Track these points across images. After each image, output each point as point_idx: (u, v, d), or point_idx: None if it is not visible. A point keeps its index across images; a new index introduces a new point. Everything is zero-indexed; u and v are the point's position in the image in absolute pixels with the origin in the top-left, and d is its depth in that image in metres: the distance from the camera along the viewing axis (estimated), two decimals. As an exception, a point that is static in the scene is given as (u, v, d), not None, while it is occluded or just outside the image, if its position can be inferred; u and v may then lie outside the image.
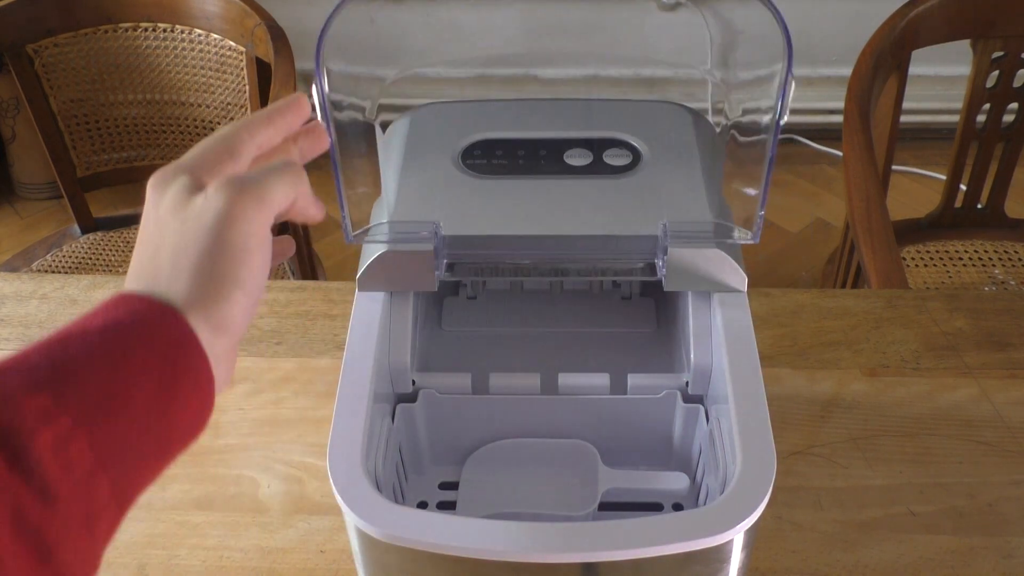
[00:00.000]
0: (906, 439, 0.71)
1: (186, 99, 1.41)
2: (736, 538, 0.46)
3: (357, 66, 0.53)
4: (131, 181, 1.46)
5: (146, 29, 1.37)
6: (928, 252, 1.35)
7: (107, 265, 1.42)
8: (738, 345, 0.54)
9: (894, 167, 1.33)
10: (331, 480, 0.47)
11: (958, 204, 1.36)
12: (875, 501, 0.67)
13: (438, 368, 0.63)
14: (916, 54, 1.24)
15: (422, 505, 0.62)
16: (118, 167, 1.46)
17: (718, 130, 0.60)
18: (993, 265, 1.32)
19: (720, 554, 0.47)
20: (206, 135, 0.45)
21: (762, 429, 0.49)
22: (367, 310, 0.57)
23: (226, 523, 0.66)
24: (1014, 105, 1.28)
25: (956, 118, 1.29)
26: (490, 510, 0.58)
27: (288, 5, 1.58)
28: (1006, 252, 1.34)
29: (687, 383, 0.59)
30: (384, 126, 0.59)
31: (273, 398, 0.76)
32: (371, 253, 0.57)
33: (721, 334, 0.55)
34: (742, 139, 0.56)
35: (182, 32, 1.36)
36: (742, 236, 0.57)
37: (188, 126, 1.42)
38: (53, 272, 1.39)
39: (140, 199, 0.44)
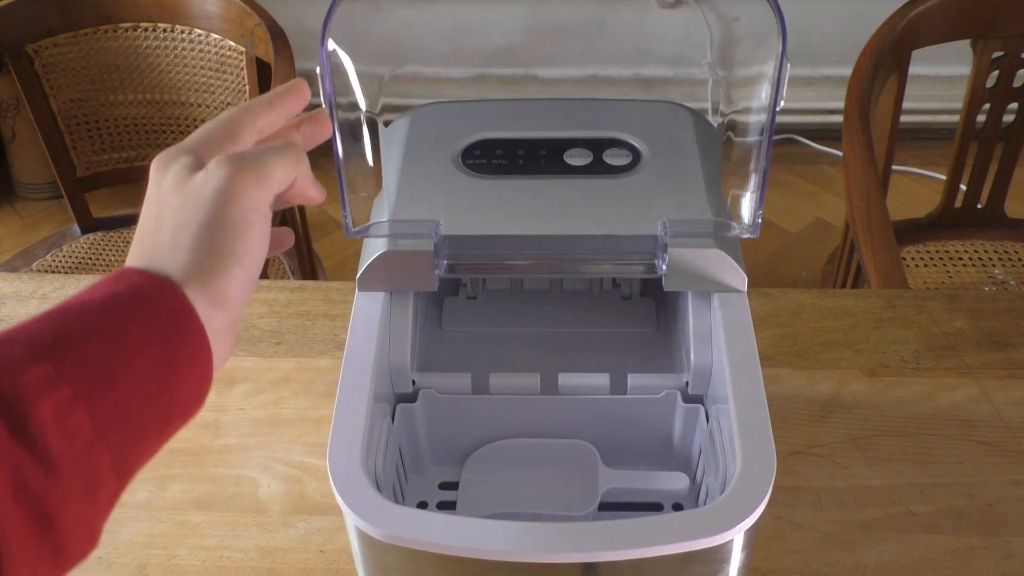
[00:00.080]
0: (906, 439, 0.71)
1: (186, 99, 1.41)
2: (736, 538, 0.46)
3: (359, 60, 0.54)
4: (131, 181, 1.46)
5: (146, 29, 1.37)
6: (928, 252, 1.35)
7: (107, 265, 1.42)
8: (738, 345, 0.54)
9: (894, 167, 1.33)
10: (331, 480, 0.47)
11: (958, 204, 1.36)
12: (875, 501, 0.67)
13: (438, 368, 0.63)
14: (916, 54, 1.24)
15: (422, 505, 0.62)
16: (118, 167, 1.46)
17: (716, 127, 0.60)
18: (993, 265, 1.32)
19: (720, 554, 0.47)
20: (206, 134, 0.45)
21: (762, 429, 0.49)
22: (367, 310, 0.57)
23: (226, 523, 0.66)
24: (1014, 105, 1.28)
25: (956, 118, 1.29)
26: (490, 510, 0.58)
27: (288, 5, 1.58)
28: (1006, 252, 1.34)
29: (687, 383, 0.59)
30: (385, 124, 0.59)
31: (273, 398, 0.76)
32: (371, 253, 0.57)
33: (721, 334, 0.55)
34: (741, 133, 0.56)
35: (182, 32, 1.36)
36: (742, 231, 0.57)
37: (188, 126, 1.42)
38: (53, 272, 1.39)
39: (140, 199, 0.44)
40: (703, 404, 0.60)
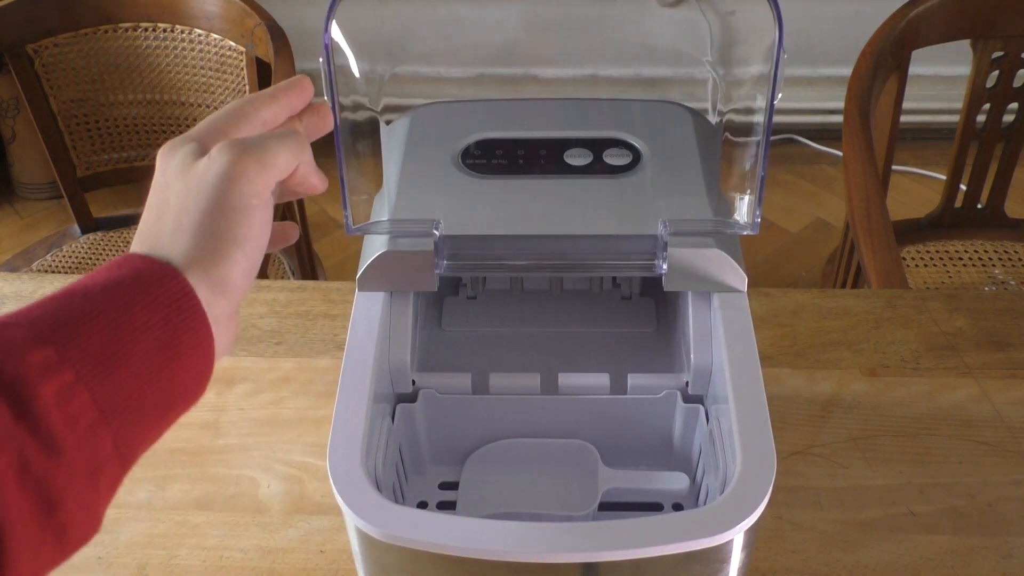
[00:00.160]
0: (906, 439, 0.71)
1: (186, 99, 1.41)
2: (736, 538, 0.46)
3: (360, 59, 0.54)
4: (131, 181, 1.46)
5: (146, 29, 1.37)
6: (928, 252, 1.35)
7: (107, 265, 1.42)
8: (738, 345, 0.54)
9: (894, 167, 1.33)
10: (331, 480, 0.47)
11: (958, 204, 1.36)
12: (875, 501, 0.67)
13: (438, 368, 0.63)
14: (916, 54, 1.24)
15: (422, 505, 0.62)
16: (118, 167, 1.46)
17: (715, 126, 0.60)
18: (993, 265, 1.32)
19: (720, 554, 0.47)
20: (206, 135, 0.45)
21: (762, 429, 0.49)
22: (367, 310, 0.57)
23: (226, 523, 0.66)
24: (1014, 105, 1.28)
25: (956, 118, 1.29)
26: (490, 510, 0.58)
27: (288, 5, 1.58)
28: (1006, 252, 1.34)
29: (687, 383, 0.59)
30: (387, 123, 0.59)
31: (273, 398, 0.76)
32: (371, 253, 0.57)
33: (721, 334, 0.55)
34: (739, 131, 0.56)
35: (182, 32, 1.36)
36: (741, 228, 0.57)
37: (188, 126, 1.42)
38: (53, 272, 1.39)
39: (140, 199, 0.44)
40: (703, 404, 0.60)
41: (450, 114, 0.67)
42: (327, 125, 0.50)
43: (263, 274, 1.27)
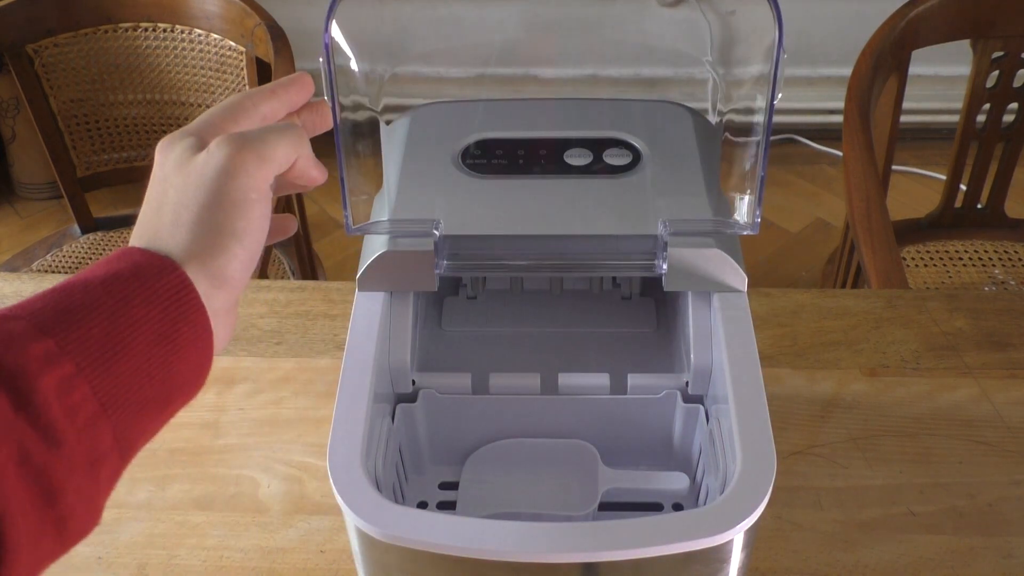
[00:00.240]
0: (906, 439, 0.71)
1: (186, 99, 1.41)
2: (736, 538, 0.46)
3: (360, 59, 0.54)
4: (131, 181, 1.46)
5: (146, 29, 1.37)
6: (928, 252, 1.35)
7: (107, 265, 1.42)
8: (738, 345, 0.54)
9: (894, 167, 1.33)
10: (331, 480, 0.47)
11: (958, 204, 1.36)
12: (875, 501, 0.67)
13: (438, 368, 0.63)
14: (916, 54, 1.24)
15: (422, 505, 0.62)
16: (118, 167, 1.46)
17: (715, 125, 0.60)
18: (993, 265, 1.32)
19: (720, 554, 0.47)
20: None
21: (762, 429, 0.49)
22: (367, 310, 0.57)
23: (226, 523, 0.66)
24: (1014, 105, 1.28)
25: (956, 118, 1.29)
26: (490, 510, 0.58)
27: (288, 5, 1.58)
28: (1006, 252, 1.34)
29: (687, 383, 0.59)
30: (387, 123, 0.59)
31: (273, 398, 0.76)
32: (371, 253, 0.57)
33: (721, 334, 0.55)
34: (739, 130, 0.56)
35: (182, 32, 1.36)
36: (741, 228, 0.57)
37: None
38: (53, 272, 1.39)
39: (140, 199, 0.44)
40: (703, 404, 0.60)
41: (450, 114, 0.67)
42: (326, 123, 0.51)
43: (263, 274, 1.27)
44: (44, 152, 1.40)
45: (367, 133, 0.57)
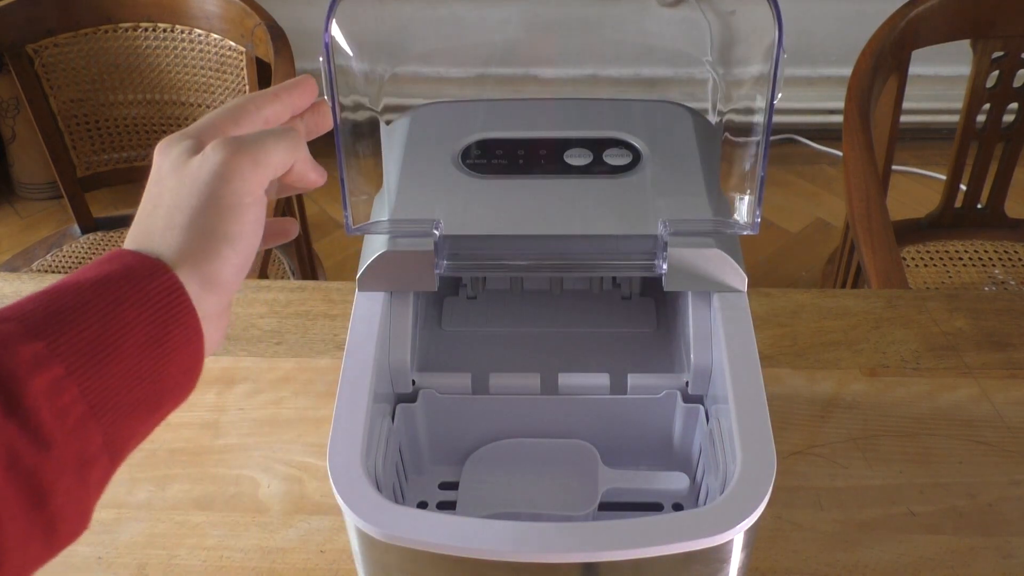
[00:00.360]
0: (906, 439, 0.71)
1: (186, 99, 1.41)
2: (736, 538, 0.46)
3: (360, 59, 0.54)
4: (131, 181, 1.46)
5: (146, 29, 1.37)
6: (928, 252, 1.35)
7: (107, 265, 1.42)
8: (738, 345, 0.54)
9: (894, 167, 1.33)
10: (331, 480, 0.47)
11: (958, 204, 1.36)
12: (875, 501, 0.67)
13: (438, 368, 0.63)
14: (916, 54, 1.24)
15: (422, 505, 0.62)
16: (118, 167, 1.46)
17: (715, 125, 0.60)
18: (993, 265, 1.32)
19: (720, 554, 0.47)
20: (206, 135, 0.45)
21: (762, 429, 0.49)
22: (367, 310, 0.57)
23: (226, 523, 0.66)
24: (1014, 105, 1.28)
25: (956, 118, 1.29)
26: (490, 510, 0.58)
27: (288, 5, 1.58)
28: (1006, 252, 1.34)
29: (687, 383, 0.59)
30: (387, 123, 0.60)
31: (273, 398, 0.76)
32: (371, 253, 0.57)
33: (721, 334, 0.55)
34: (739, 130, 0.56)
35: (182, 32, 1.36)
36: (741, 228, 0.57)
37: (188, 126, 1.41)
38: (53, 272, 1.39)
39: (140, 199, 0.44)
40: (703, 404, 0.60)
41: (450, 114, 0.67)
42: (327, 124, 0.51)
43: (263, 274, 1.27)
44: (44, 152, 1.40)
45: (367, 133, 0.57)
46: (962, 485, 0.68)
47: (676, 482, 0.59)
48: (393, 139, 0.64)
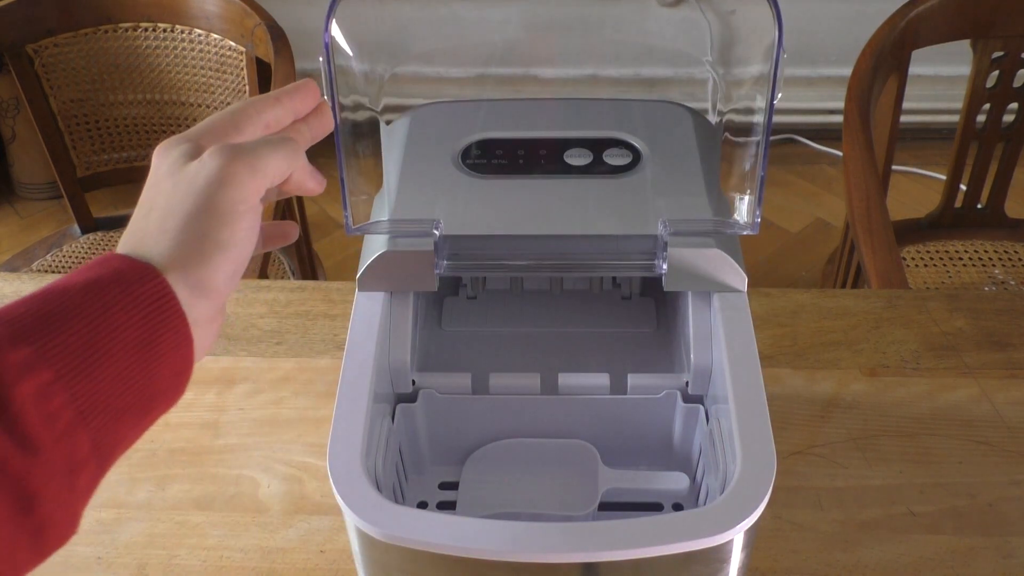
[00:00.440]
0: (906, 439, 0.71)
1: (186, 99, 1.41)
2: (736, 538, 0.46)
3: (360, 59, 0.54)
4: (131, 181, 1.46)
5: (146, 29, 1.37)
6: (928, 252, 1.35)
7: (107, 265, 1.42)
8: (738, 345, 0.54)
9: (894, 167, 1.33)
10: (331, 480, 0.47)
11: (958, 204, 1.36)
12: (875, 501, 0.67)
13: (438, 368, 0.63)
14: (916, 54, 1.24)
15: (422, 505, 0.62)
16: (118, 167, 1.46)
17: (715, 125, 0.60)
18: (993, 265, 1.32)
19: (720, 554, 0.47)
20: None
21: (762, 429, 0.49)
22: (367, 310, 0.57)
23: (226, 523, 0.66)
24: (1014, 105, 1.28)
25: (956, 118, 1.29)
26: (490, 510, 0.58)
27: (288, 5, 1.58)
28: (1006, 252, 1.34)
29: (687, 383, 0.59)
30: (387, 123, 0.60)
31: (273, 398, 0.76)
32: (371, 253, 0.57)
33: (721, 334, 0.55)
34: (739, 130, 0.56)
35: (182, 32, 1.36)
36: (741, 228, 0.57)
37: (188, 126, 1.41)
38: (53, 272, 1.39)
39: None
40: (703, 404, 0.60)
41: (450, 114, 0.67)
42: (328, 125, 0.50)
43: (263, 274, 1.27)
44: (44, 152, 1.40)
45: (367, 133, 0.57)
46: (962, 485, 0.68)
47: (676, 482, 0.59)
48: (393, 139, 0.64)
